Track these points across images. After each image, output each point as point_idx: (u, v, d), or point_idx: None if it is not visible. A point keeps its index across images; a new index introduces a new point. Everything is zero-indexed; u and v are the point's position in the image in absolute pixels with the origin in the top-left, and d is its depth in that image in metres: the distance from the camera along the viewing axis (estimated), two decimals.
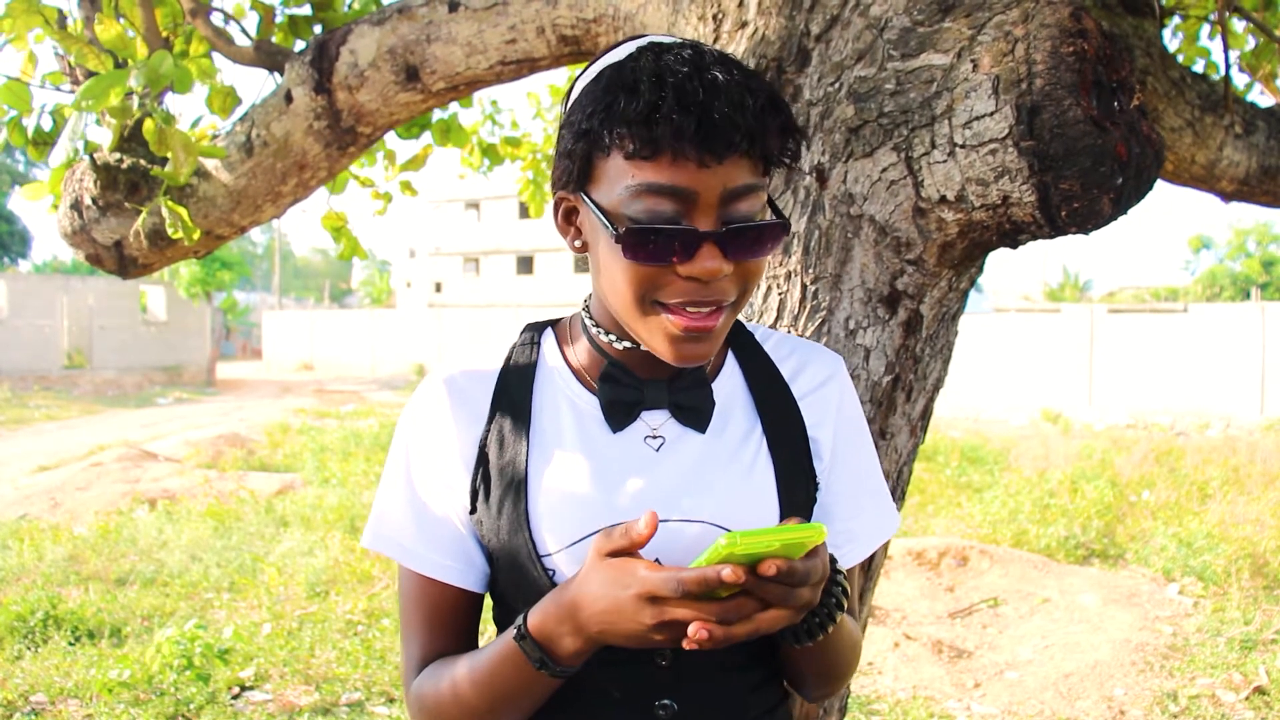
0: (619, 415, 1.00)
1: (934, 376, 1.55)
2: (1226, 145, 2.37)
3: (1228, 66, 2.34)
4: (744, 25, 1.56)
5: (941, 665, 4.72)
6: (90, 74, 2.22)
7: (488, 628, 1.15)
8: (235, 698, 4.12)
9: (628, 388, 1.00)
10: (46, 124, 2.27)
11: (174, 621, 4.85)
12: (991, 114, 1.28)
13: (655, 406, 1.01)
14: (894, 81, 1.38)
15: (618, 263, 0.90)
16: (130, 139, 2.27)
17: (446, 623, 1.03)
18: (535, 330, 1.09)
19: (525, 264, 37.40)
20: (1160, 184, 2.41)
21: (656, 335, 0.93)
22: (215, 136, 2.35)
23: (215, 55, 2.45)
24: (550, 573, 0.97)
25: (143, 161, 2.27)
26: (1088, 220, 1.30)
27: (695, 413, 1.01)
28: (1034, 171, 1.27)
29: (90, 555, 6.39)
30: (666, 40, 0.95)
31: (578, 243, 0.98)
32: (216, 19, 2.39)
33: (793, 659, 1.03)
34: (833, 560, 0.95)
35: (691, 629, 0.79)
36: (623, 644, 0.86)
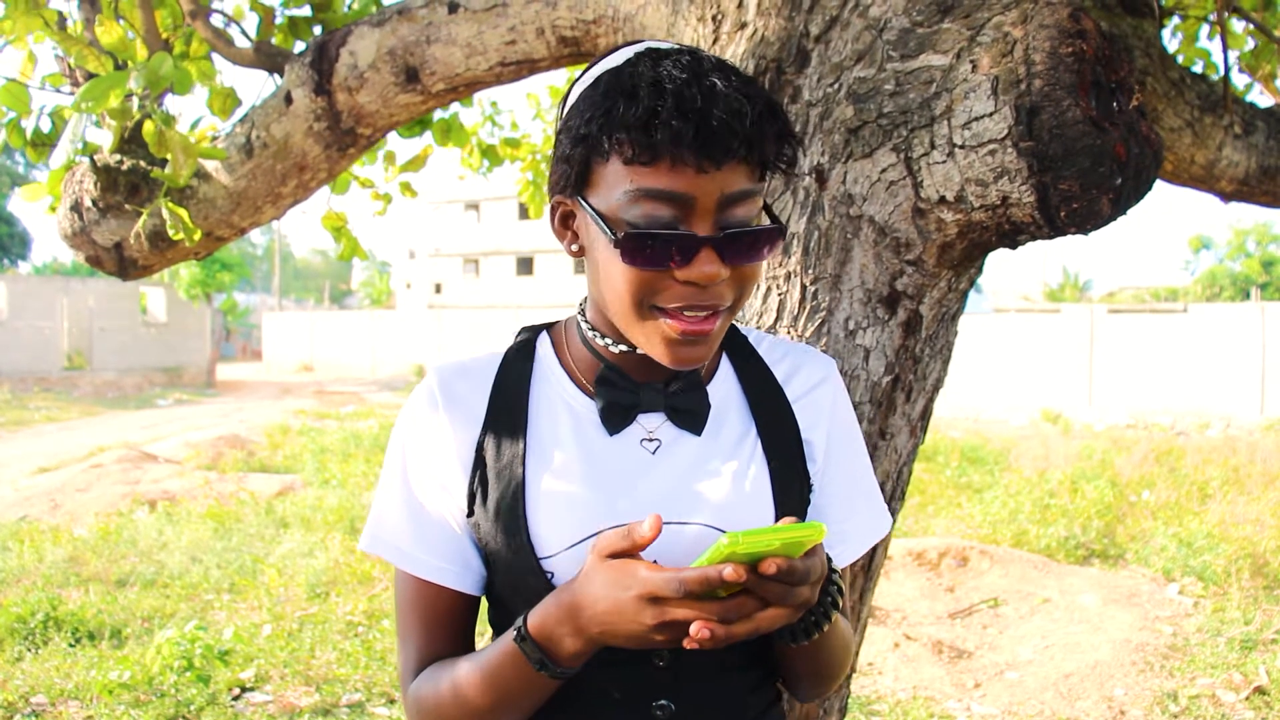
0: (615, 418, 1.01)
1: (934, 377, 1.56)
2: (1226, 145, 2.37)
3: (1227, 67, 2.34)
4: (743, 26, 1.56)
5: (942, 665, 4.73)
6: (90, 76, 2.22)
7: (484, 629, 1.15)
8: (236, 699, 4.12)
9: (624, 391, 1.01)
10: (45, 126, 2.27)
11: (174, 623, 4.85)
12: (990, 115, 1.29)
13: (651, 410, 1.02)
14: (893, 82, 1.39)
15: (615, 267, 0.91)
16: (130, 141, 2.27)
17: (444, 625, 1.03)
18: (531, 333, 1.10)
19: (525, 265, 37.41)
20: (1160, 184, 2.42)
21: (653, 339, 0.93)
22: (215, 138, 2.35)
23: (215, 57, 2.45)
24: (549, 575, 0.97)
25: (143, 163, 2.27)
26: (1087, 220, 1.30)
27: (691, 415, 1.02)
28: (1033, 172, 1.27)
29: (90, 557, 6.39)
30: (664, 46, 0.95)
31: (574, 247, 0.99)
32: (216, 20, 2.39)
33: (787, 658, 1.03)
34: (827, 560, 0.95)
35: (693, 628, 0.79)
36: (623, 645, 0.86)
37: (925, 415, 1.58)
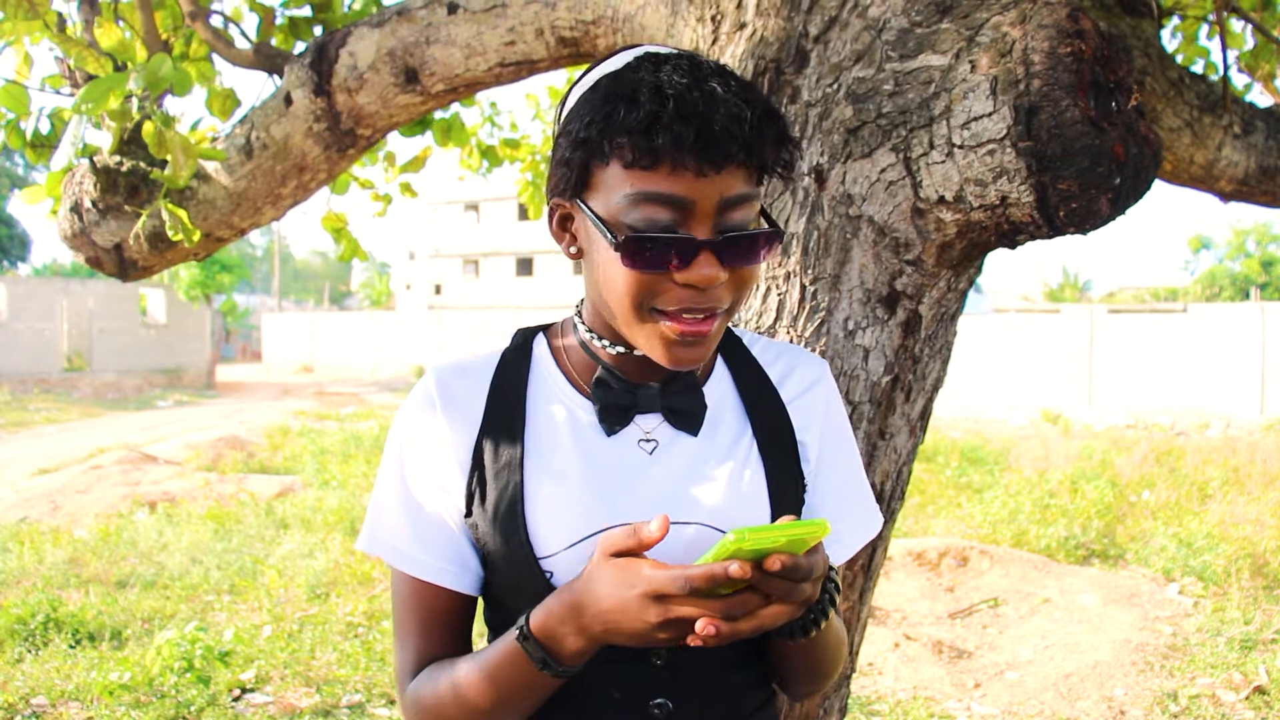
0: (613, 419, 1.01)
1: (933, 376, 1.56)
2: (1225, 145, 2.37)
3: (1226, 67, 2.34)
4: (742, 27, 1.56)
5: (942, 665, 4.72)
6: (90, 77, 2.23)
7: (479, 629, 1.15)
8: (236, 700, 4.12)
9: (621, 392, 1.02)
10: (45, 127, 2.27)
11: (174, 624, 4.85)
12: (989, 114, 1.29)
13: (648, 411, 1.02)
14: (892, 82, 1.39)
15: (615, 269, 0.92)
16: (130, 142, 2.27)
17: (441, 625, 1.03)
18: (527, 334, 1.10)
19: (525, 266, 37.41)
20: (1159, 184, 2.42)
21: (653, 340, 0.94)
22: (215, 139, 2.35)
23: (215, 58, 2.45)
24: (547, 574, 0.97)
25: (142, 164, 2.27)
26: (1086, 220, 1.30)
27: (687, 416, 1.03)
28: (1032, 172, 1.27)
29: (90, 558, 6.39)
30: (663, 51, 0.96)
31: (573, 249, 1.00)
32: (216, 22, 2.39)
33: (783, 656, 1.04)
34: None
35: (699, 625, 0.80)
36: (626, 643, 0.87)
37: (925, 415, 1.58)
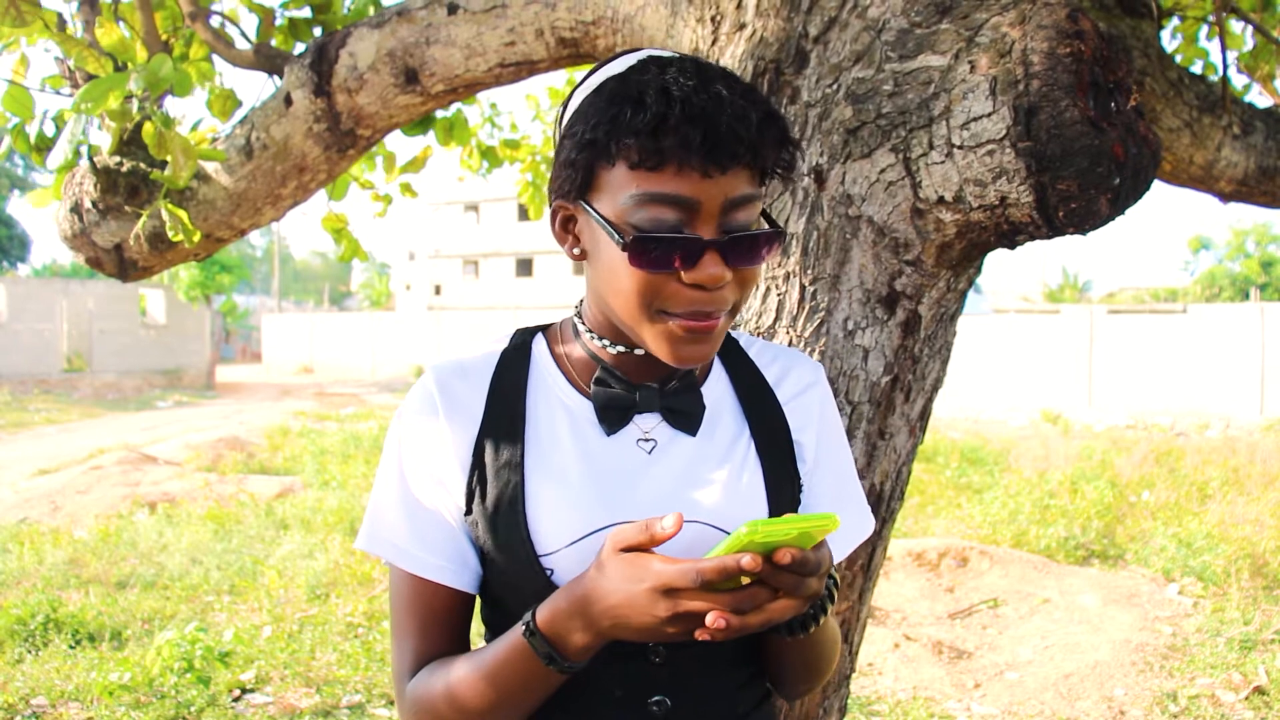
0: (613, 418, 1.02)
1: (932, 377, 1.56)
2: (1224, 146, 2.37)
3: (1225, 67, 2.35)
4: (742, 27, 1.56)
5: (941, 666, 4.73)
6: (90, 77, 2.23)
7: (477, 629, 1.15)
8: (236, 700, 4.12)
9: (621, 391, 1.02)
10: (49, 130, 2.27)
11: (174, 624, 4.85)
12: (989, 115, 1.29)
13: (647, 410, 1.03)
14: (892, 83, 1.39)
15: (622, 270, 0.92)
16: (130, 142, 2.27)
17: (440, 624, 1.03)
18: (526, 334, 1.11)
19: (525, 266, 37.41)
20: (1159, 184, 2.42)
21: (659, 339, 0.95)
22: (215, 139, 2.36)
23: (215, 58, 2.45)
24: (548, 572, 0.98)
25: (142, 165, 2.27)
26: (1085, 220, 1.30)
27: (686, 416, 1.04)
28: (1031, 172, 1.27)
29: (90, 558, 6.39)
30: (666, 54, 0.97)
31: (576, 250, 1.00)
32: (216, 22, 2.39)
33: (779, 653, 1.05)
34: None
35: (709, 619, 0.80)
36: (633, 638, 0.87)
37: (924, 415, 1.58)
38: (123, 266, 2.45)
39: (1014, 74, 1.28)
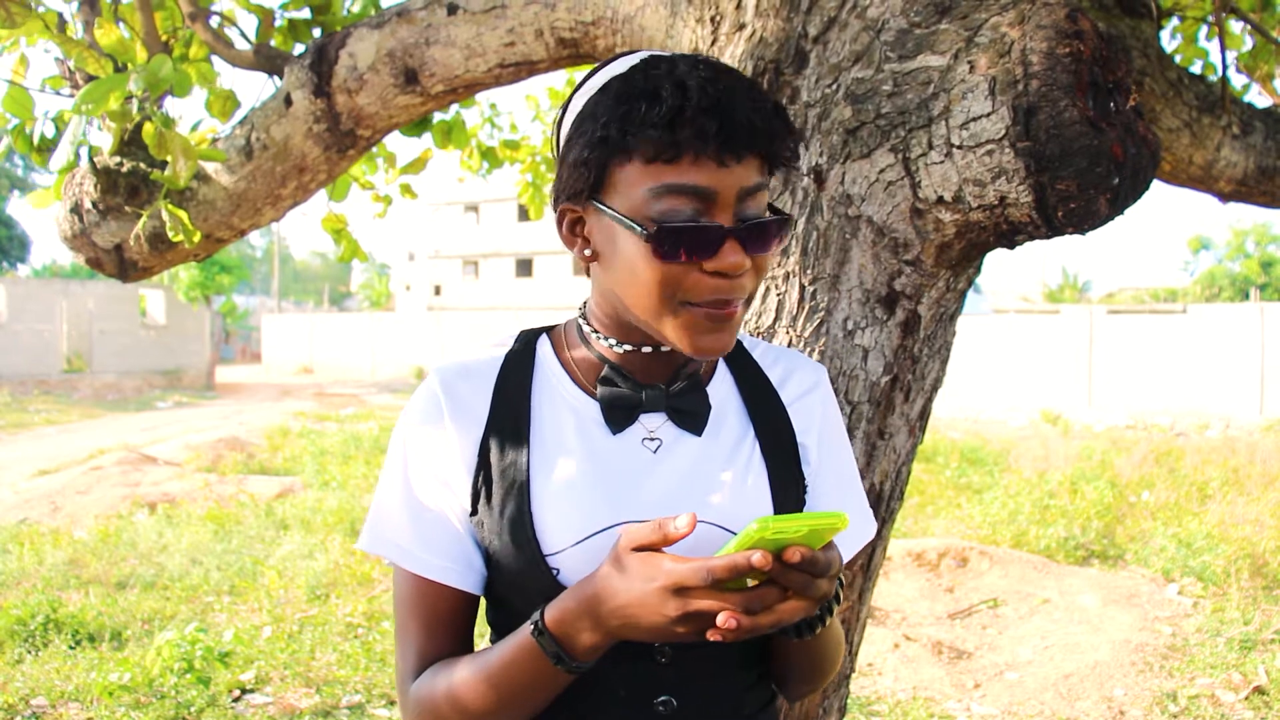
0: (619, 417, 1.02)
1: (932, 377, 1.56)
2: (1224, 146, 2.38)
3: (1225, 67, 2.35)
4: (742, 28, 1.56)
5: (941, 666, 4.73)
6: (90, 78, 2.23)
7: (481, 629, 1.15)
8: (236, 700, 4.12)
9: (627, 390, 1.02)
10: (49, 131, 2.28)
11: (174, 625, 4.86)
12: (988, 115, 1.29)
13: (653, 409, 1.03)
14: (891, 83, 1.39)
15: (641, 265, 0.93)
16: (130, 143, 2.27)
17: (444, 625, 1.03)
18: (530, 335, 1.11)
19: (524, 267, 37.41)
20: (1158, 184, 2.42)
21: (681, 331, 0.96)
22: (215, 140, 2.36)
23: (214, 59, 2.45)
24: (554, 571, 0.98)
25: (143, 165, 2.27)
26: (1084, 220, 1.30)
27: (692, 416, 1.04)
28: (1030, 172, 1.27)
29: (90, 559, 6.39)
30: (665, 54, 0.98)
31: (587, 252, 1.00)
32: (215, 23, 2.39)
33: (784, 654, 1.05)
34: None
35: (721, 619, 0.80)
36: (642, 638, 0.87)
37: (924, 415, 1.58)
38: (123, 267, 2.45)
39: (1013, 74, 1.28)
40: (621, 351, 1.03)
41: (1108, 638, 5.07)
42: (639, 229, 0.91)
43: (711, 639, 0.82)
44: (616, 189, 0.93)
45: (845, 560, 1.11)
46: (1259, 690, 4.32)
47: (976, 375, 18.76)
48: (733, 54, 1.57)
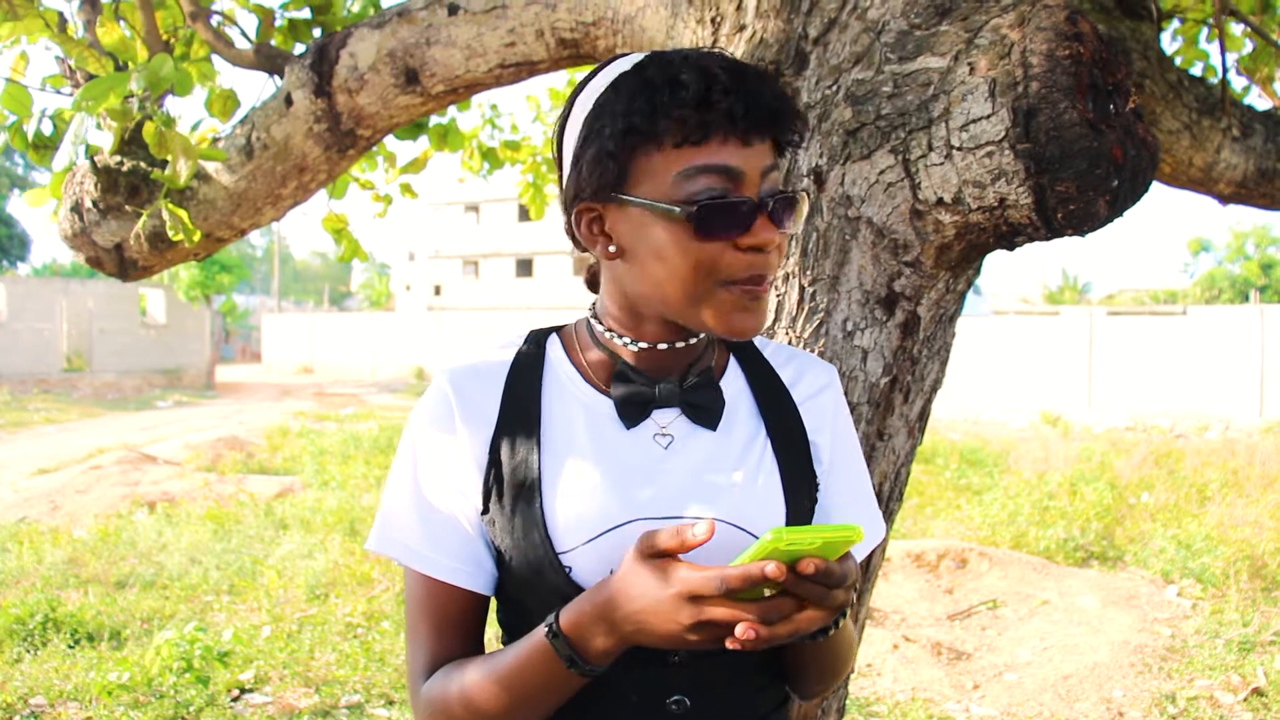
0: (633, 413, 1.02)
1: (931, 378, 1.56)
2: (1224, 148, 2.38)
3: (1225, 70, 2.35)
4: (742, 28, 1.57)
5: (940, 667, 4.73)
6: (91, 77, 2.23)
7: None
8: (235, 700, 4.12)
9: (641, 386, 1.02)
10: (47, 128, 2.28)
11: (173, 624, 4.86)
12: (988, 117, 1.29)
13: (667, 405, 1.03)
14: (891, 84, 1.39)
15: (678, 248, 0.94)
16: (130, 142, 2.27)
17: (455, 625, 1.03)
18: (540, 335, 1.11)
19: (525, 267, 37.41)
20: (1159, 186, 2.42)
21: (717, 313, 0.96)
22: (215, 139, 2.36)
23: (215, 58, 2.45)
24: (566, 569, 0.97)
25: (143, 164, 2.28)
26: (1083, 222, 1.30)
27: (706, 411, 1.04)
28: (1030, 174, 1.27)
29: (89, 558, 6.39)
30: (670, 50, 0.98)
31: (611, 248, 1.00)
32: (215, 22, 2.39)
33: (798, 655, 1.04)
34: None
35: (739, 629, 0.80)
36: (656, 644, 0.87)
37: (923, 416, 1.58)
38: (123, 266, 2.45)
39: (1013, 76, 1.28)
40: (636, 350, 1.03)
41: (1107, 639, 5.08)
42: (677, 210, 0.92)
43: (730, 648, 0.82)
44: (642, 179, 0.94)
45: (859, 560, 1.12)
46: (1257, 692, 4.32)
47: (976, 376, 18.76)
48: (733, 55, 1.57)
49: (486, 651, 1.03)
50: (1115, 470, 10.10)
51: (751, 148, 0.93)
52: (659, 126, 0.91)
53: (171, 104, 2.33)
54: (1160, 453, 11.55)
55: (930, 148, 1.34)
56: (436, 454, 1.03)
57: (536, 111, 4.93)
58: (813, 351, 1.45)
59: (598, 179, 0.96)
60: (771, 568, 0.78)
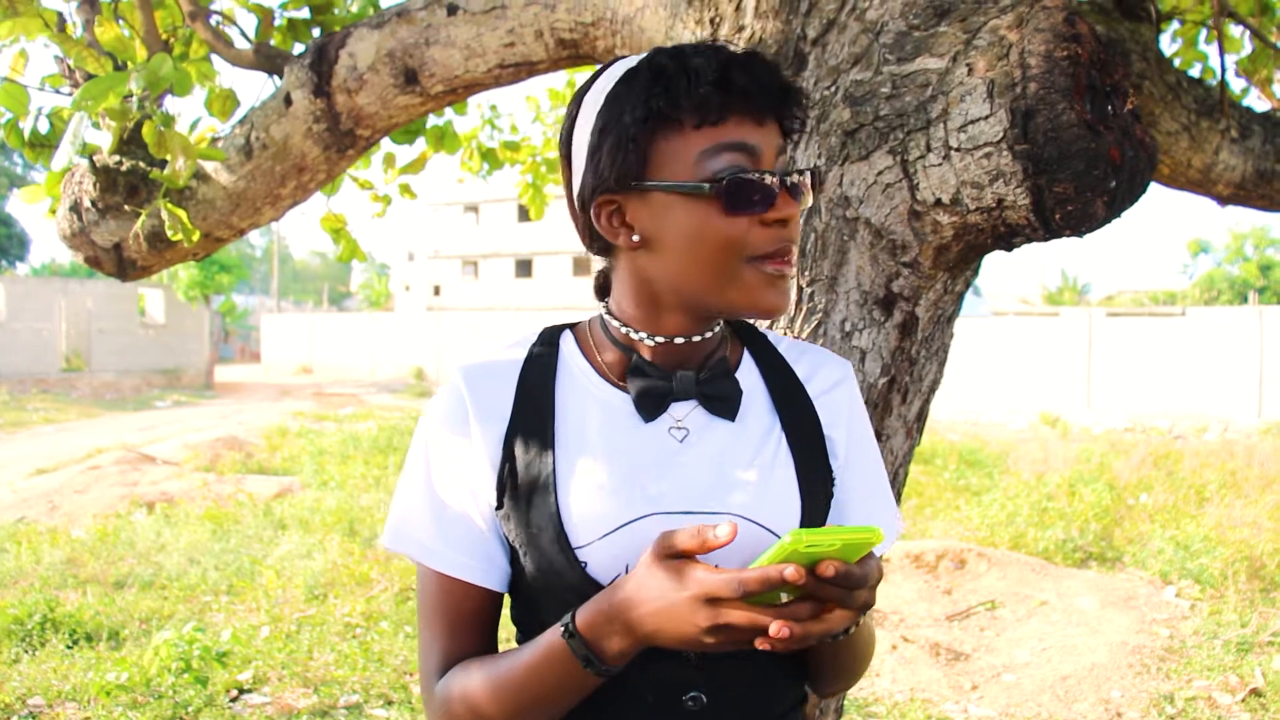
0: (650, 405, 1.02)
1: (930, 378, 1.56)
2: (1222, 149, 2.38)
3: (1224, 71, 2.35)
4: (741, 29, 1.57)
5: (939, 668, 4.73)
6: (90, 76, 2.23)
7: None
8: (233, 700, 4.12)
9: (658, 379, 1.02)
10: (43, 126, 2.28)
11: (172, 624, 4.85)
12: (986, 118, 1.29)
13: (683, 398, 1.03)
14: (890, 85, 1.39)
15: (708, 227, 0.95)
16: (130, 141, 2.27)
17: (469, 623, 1.02)
18: (553, 331, 1.11)
19: (524, 267, 37.40)
20: (1157, 187, 2.43)
21: (748, 289, 0.98)
22: (215, 139, 2.36)
23: (214, 58, 2.45)
24: (582, 564, 0.97)
25: (142, 164, 2.28)
26: (1081, 223, 1.31)
27: (724, 402, 1.03)
28: (1028, 174, 1.28)
29: (88, 558, 6.38)
30: (672, 46, 0.99)
31: (635, 238, 0.99)
32: (215, 22, 2.39)
33: (819, 653, 1.04)
34: None
35: (774, 627, 0.79)
36: (673, 645, 0.87)
37: (921, 417, 1.58)
38: (122, 266, 2.45)
39: (1011, 77, 1.29)
40: (653, 344, 1.03)
41: (1105, 640, 5.08)
42: (706, 187, 0.94)
43: (760, 648, 0.81)
44: (664, 163, 0.95)
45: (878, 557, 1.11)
46: (1256, 692, 4.33)
47: (975, 377, 18.77)
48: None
49: (500, 650, 1.03)
50: (1114, 471, 10.10)
51: (765, 127, 0.96)
52: (680, 107, 0.93)
53: (171, 103, 2.33)
54: (1159, 454, 11.55)
55: (928, 148, 1.34)
56: (450, 451, 1.03)
57: (536, 112, 4.93)
58: None
59: (619, 168, 0.96)
60: (790, 571, 0.78)
